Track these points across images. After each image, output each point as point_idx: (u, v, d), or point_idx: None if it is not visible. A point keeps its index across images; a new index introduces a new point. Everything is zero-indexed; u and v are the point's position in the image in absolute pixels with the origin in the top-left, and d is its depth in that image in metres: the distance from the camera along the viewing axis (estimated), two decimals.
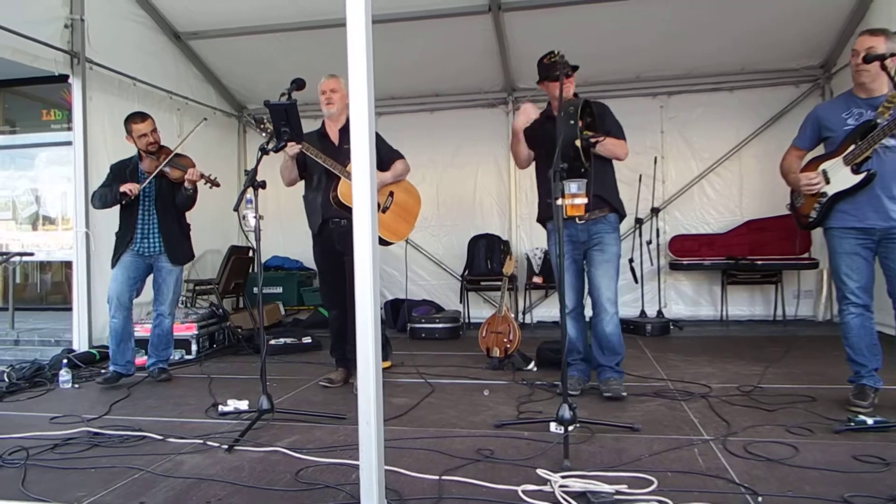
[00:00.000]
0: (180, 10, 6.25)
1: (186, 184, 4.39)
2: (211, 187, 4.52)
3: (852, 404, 3.24)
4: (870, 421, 2.92)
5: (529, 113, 3.74)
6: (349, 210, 4.12)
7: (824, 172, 3.34)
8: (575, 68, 3.73)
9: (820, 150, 3.50)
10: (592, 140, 3.46)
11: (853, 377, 3.37)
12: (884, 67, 3.03)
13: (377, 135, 4.45)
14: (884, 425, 2.90)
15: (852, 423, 2.94)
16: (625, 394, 3.71)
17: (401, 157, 4.47)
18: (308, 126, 3.97)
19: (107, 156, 5.32)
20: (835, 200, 3.31)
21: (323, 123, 4.28)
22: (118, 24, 5.82)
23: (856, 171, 3.20)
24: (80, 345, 5.23)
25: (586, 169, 3.49)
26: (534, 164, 3.98)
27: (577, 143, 3.32)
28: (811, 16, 5.87)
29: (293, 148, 3.99)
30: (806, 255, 6.47)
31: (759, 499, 2.17)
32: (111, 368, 4.38)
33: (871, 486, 2.27)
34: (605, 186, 3.79)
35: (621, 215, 3.90)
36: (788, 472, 2.45)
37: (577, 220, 3.63)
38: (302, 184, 4.41)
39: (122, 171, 4.44)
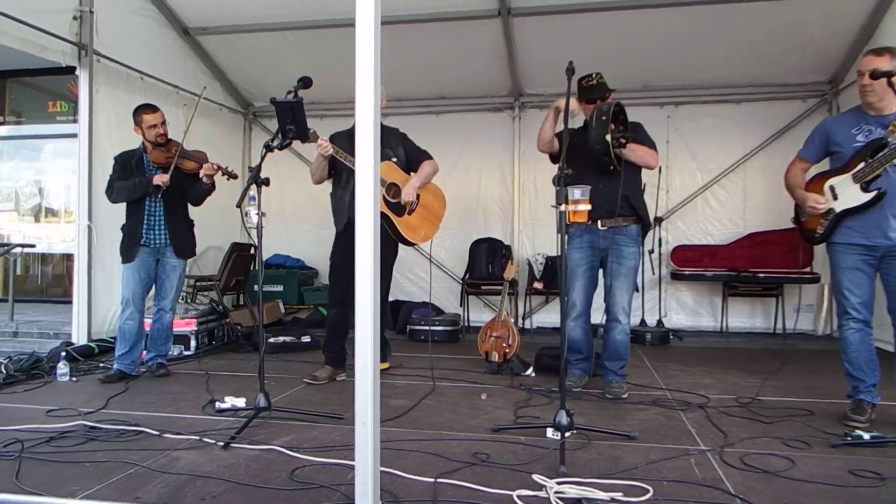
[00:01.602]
0: (189, 6, 6.27)
1: (205, 178, 4.39)
2: (228, 179, 4.53)
3: (849, 419, 3.24)
4: (866, 436, 2.92)
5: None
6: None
7: (832, 188, 3.34)
8: (609, 91, 3.86)
9: (825, 164, 3.50)
10: (622, 140, 3.52)
11: (851, 392, 3.37)
12: (890, 85, 3.02)
13: (405, 136, 4.52)
14: (880, 440, 2.90)
15: (849, 438, 2.94)
16: (625, 395, 3.83)
17: (429, 157, 4.52)
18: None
19: (111, 149, 5.30)
20: (842, 217, 3.30)
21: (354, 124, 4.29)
22: (127, 18, 5.83)
23: (865, 190, 3.20)
24: (79, 338, 5.23)
25: (615, 168, 3.54)
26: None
27: (608, 137, 3.38)
28: (820, 31, 5.87)
29: (326, 150, 4.04)
30: (808, 270, 6.47)
31: None
32: (116, 367, 4.35)
33: (866, 500, 2.27)
34: (634, 192, 3.85)
35: (646, 226, 3.96)
36: (784, 484, 2.44)
37: (599, 225, 3.67)
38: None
39: (128, 162, 4.44)
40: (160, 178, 4.28)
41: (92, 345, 5.10)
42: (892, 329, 3.25)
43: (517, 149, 7.21)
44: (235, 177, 4.53)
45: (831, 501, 2.25)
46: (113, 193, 4.40)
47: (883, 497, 2.30)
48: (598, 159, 3.59)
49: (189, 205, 4.61)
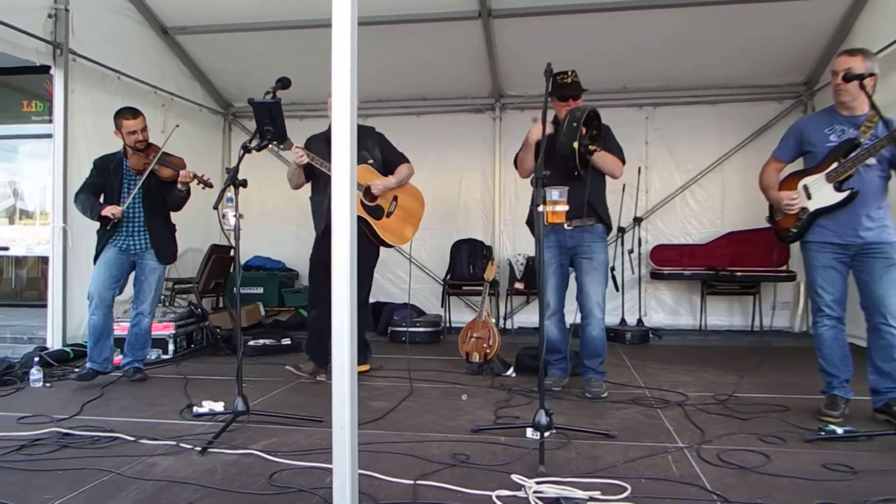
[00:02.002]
0: (168, 5, 6.19)
1: (180, 185, 4.36)
2: (204, 188, 4.48)
3: (823, 414, 3.29)
4: (840, 430, 2.97)
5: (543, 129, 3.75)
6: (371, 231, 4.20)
7: (805, 188, 3.39)
8: (583, 90, 3.94)
9: (798, 163, 3.55)
10: (590, 147, 3.56)
11: (825, 388, 3.42)
12: (862, 87, 3.07)
13: (383, 137, 4.52)
14: (853, 435, 2.95)
15: (823, 433, 2.99)
16: (605, 394, 3.87)
17: (406, 160, 4.53)
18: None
19: (87, 150, 5.25)
20: (815, 216, 3.35)
21: (330, 127, 4.29)
22: (104, 16, 5.74)
23: (838, 189, 3.25)
24: (53, 343, 5.14)
25: (580, 174, 3.59)
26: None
27: (575, 144, 3.42)
28: (795, 33, 5.96)
29: (301, 158, 4.04)
30: (784, 268, 6.56)
31: None
32: (88, 365, 4.30)
33: (839, 494, 2.30)
34: (597, 197, 3.93)
35: (608, 227, 4.03)
36: (759, 480, 2.47)
37: (565, 226, 3.72)
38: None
39: (107, 167, 4.39)
40: (110, 210, 4.23)
41: (67, 349, 5.02)
42: (866, 325, 3.30)
43: (498, 150, 7.22)
44: (211, 186, 4.49)
45: (804, 495, 2.28)
46: (77, 201, 4.38)
47: (855, 490, 2.33)
48: (562, 160, 3.62)
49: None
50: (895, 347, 3.13)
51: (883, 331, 3.18)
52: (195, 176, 4.38)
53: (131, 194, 4.31)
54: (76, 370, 4.39)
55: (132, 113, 4.37)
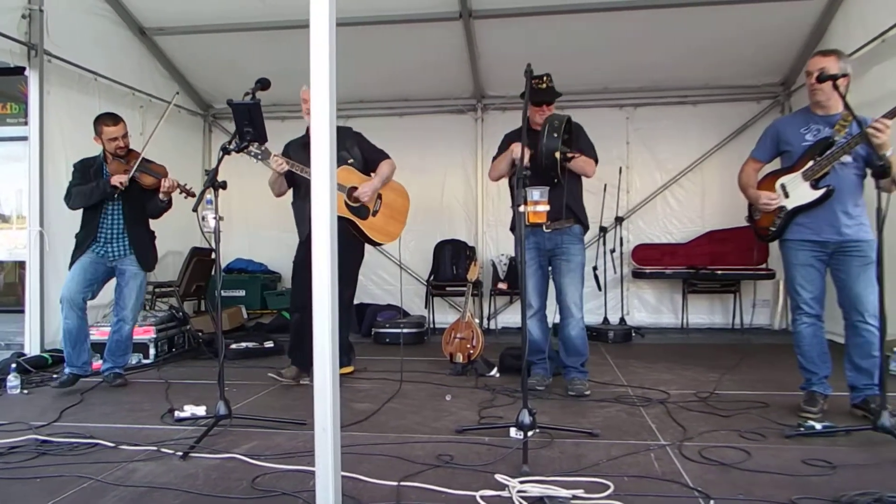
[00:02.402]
0: (146, 5, 6.13)
1: (162, 195, 4.31)
2: (186, 197, 4.42)
3: (803, 410, 3.34)
4: (818, 426, 3.01)
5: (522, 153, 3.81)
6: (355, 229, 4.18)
7: (783, 187, 3.44)
8: (559, 95, 3.98)
9: (776, 163, 3.59)
10: (569, 155, 3.62)
11: (804, 384, 3.47)
12: (836, 87, 3.12)
13: (361, 135, 4.51)
14: (831, 430, 2.99)
15: (802, 429, 3.02)
16: (588, 392, 3.90)
17: (386, 156, 4.52)
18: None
19: (64, 152, 5.19)
20: (793, 214, 3.40)
21: (307, 130, 4.28)
22: (79, 17, 5.66)
23: (815, 187, 3.30)
24: (31, 348, 5.06)
25: (559, 180, 3.65)
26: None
27: (557, 154, 3.48)
28: (772, 34, 6.03)
29: (281, 166, 4.02)
30: (763, 266, 6.64)
31: (712, 502, 2.22)
32: (67, 371, 4.23)
33: (818, 489, 2.33)
34: (574, 199, 3.99)
35: (585, 227, 4.09)
36: (740, 476, 2.50)
37: (543, 227, 3.77)
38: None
39: (87, 171, 4.33)
40: (118, 178, 4.18)
41: (45, 355, 4.94)
42: (843, 322, 3.35)
43: (480, 150, 7.23)
44: (193, 195, 4.42)
45: (784, 491, 2.31)
46: (71, 199, 4.29)
47: (833, 485, 2.36)
48: (545, 171, 3.64)
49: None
50: (872, 344, 3.18)
51: (860, 328, 3.23)
52: (178, 185, 4.33)
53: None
54: (55, 376, 4.33)
55: (113, 119, 4.30)
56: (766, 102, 6.93)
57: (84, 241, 4.29)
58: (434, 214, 7.35)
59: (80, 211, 4.33)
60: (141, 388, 4.35)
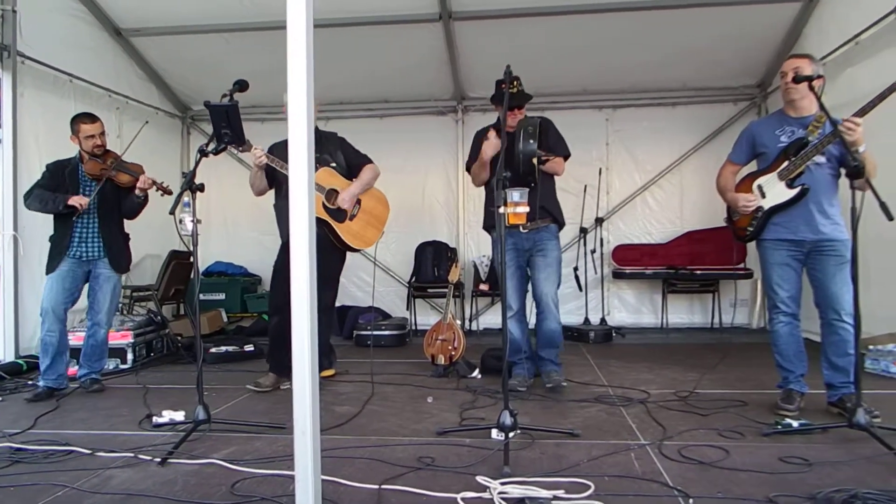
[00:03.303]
0: (121, 6, 6.05)
1: (138, 191, 4.26)
2: (163, 195, 4.38)
3: (780, 408, 3.38)
4: (795, 424, 3.05)
5: (496, 144, 3.86)
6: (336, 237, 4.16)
7: (760, 188, 3.48)
8: (530, 98, 4.04)
9: (753, 165, 3.64)
10: (544, 158, 3.67)
11: (781, 382, 3.52)
12: (811, 88, 3.17)
13: (344, 141, 4.49)
14: (808, 427, 3.03)
15: (779, 426, 3.06)
16: (565, 384, 4.00)
17: (369, 161, 4.50)
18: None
19: (38, 155, 5.10)
20: (770, 214, 3.44)
21: None
22: (54, 18, 5.58)
23: (790, 186, 3.35)
24: (5, 354, 4.96)
25: (536, 183, 3.68)
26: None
27: (534, 160, 3.52)
28: (749, 37, 6.12)
29: (260, 159, 3.99)
30: (742, 266, 6.72)
31: (691, 501, 2.24)
32: (41, 384, 4.14)
33: (794, 486, 2.36)
34: (549, 199, 4.06)
35: (561, 224, 4.17)
36: (719, 474, 2.52)
37: (521, 228, 3.80)
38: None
39: (60, 171, 4.25)
40: (77, 200, 4.11)
41: (20, 361, 4.86)
42: (819, 321, 3.39)
43: (461, 152, 7.23)
44: (170, 192, 4.39)
45: (762, 488, 2.33)
46: (30, 199, 4.21)
47: (809, 482, 2.40)
48: (523, 176, 3.66)
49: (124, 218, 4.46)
50: (848, 343, 3.22)
51: (836, 326, 3.28)
52: (154, 182, 4.28)
53: (90, 195, 4.19)
54: (29, 383, 4.25)
55: (90, 118, 4.26)
56: (742, 104, 7.02)
57: (59, 242, 4.22)
58: (415, 216, 7.35)
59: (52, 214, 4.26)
60: (118, 394, 4.28)
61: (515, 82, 3.95)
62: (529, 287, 4.20)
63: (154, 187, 4.30)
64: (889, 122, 4.29)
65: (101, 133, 4.25)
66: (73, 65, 5.75)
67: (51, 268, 4.21)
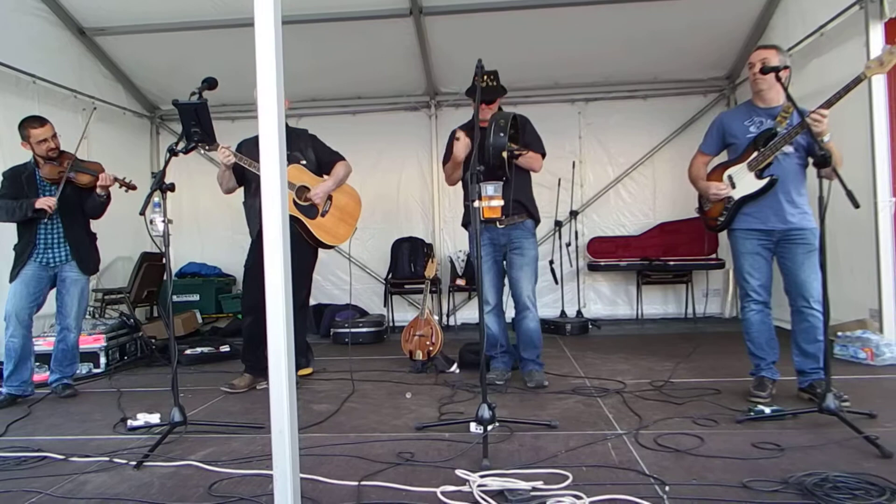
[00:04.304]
0: (84, 5, 5.92)
1: (99, 189, 4.16)
2: (127, 191, 4.31)
3: (752, 395, 3.43)
4: (767, 410, 3.10)
5: (467, 144, 3.88)
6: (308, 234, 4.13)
7: (730, 178, 3.53)
8: (504, 92, 4.02)
9: (723, 156, 3.69)
10: (517, 152, 3.66)
11: (754, 370, 3.58)
12: (778, 79, 3.22)
13: (315, 138, 4.45)
14: (780, 414, 3.08)
15: (752, 413, 3.11)
16: (546, 383, 3.96)
17: (341, 158, 4.48)
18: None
19: (2, 159, 4.97)
20: (740, 204, 3.49)
21: None
22: (14, 17, 5.44)
23: (759, 177, 3.40)
24: None
25: (507, 178, 3.68)
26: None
27: (504, 154, 3.51)
28: (716, 29, 6.20)
29: (228, 157, 3.94)
30: (714, 256, 6.82)
31: (667, 488, 2.26)
32: (4, 391, 4.06)
33: (767, 471, 2.41)
34: (524, 194, 4.05)
35: (537, 221, 4.16)
36: (694, 461, 2.56)
37: (497, 224, 3.81)
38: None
39: (18, 178, 4.14)
40: (45, 202, 4.02)
41: None
42: (790, 309, 3.45)
43: (435, 147, 7.23)
44: (134, 188, 4.31)
45: (736, 474, 2.37)
46: None
47: (782, 466, 2.45)
48: (493, 169, 3.67)
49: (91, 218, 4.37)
50: (818, 329, 3.28)
51: (806, 314, 3.34)
52: (116, 179, 4.20)
53: (55, 195, 4.09)
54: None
55: (39, 121, 4.14)
56: (712, 96, 7.11)
57: (23, 252, 4.13)
58: (391, 212, 7.35)
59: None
60: (92, 399, 4.22)
61: (490, 76, 3.92)
62: (506, 281, 4.20)
63: (116, 184, 4.21)
64: (852, 114, 4.43)
65: (52, 136, 4.14)
66: (36, 65, 5.62)
67: (14, 275, 4.11)
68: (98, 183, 4.15)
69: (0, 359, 4.80)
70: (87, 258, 4.31)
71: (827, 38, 5.10)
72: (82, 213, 4.29)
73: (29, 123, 4.12)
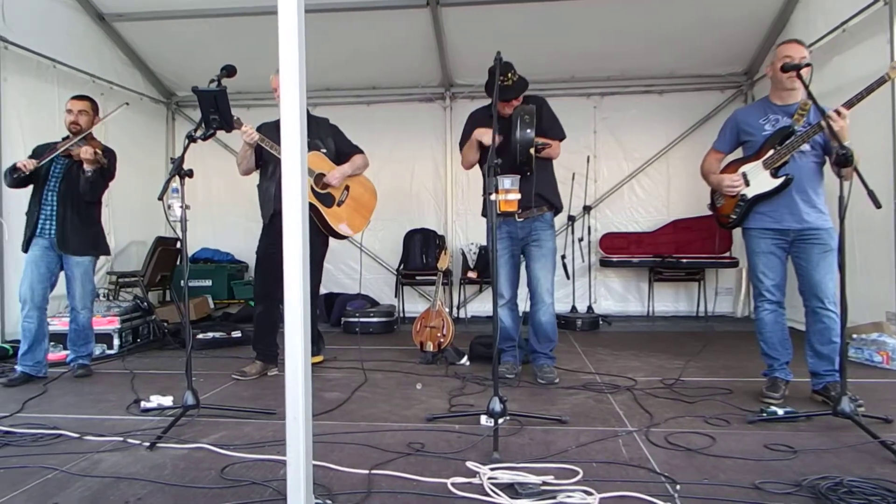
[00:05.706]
0: None
1: (86, 165, 4.12)
2: (99, 168, 4.22)
3: (765, 396, 3.42)
4: (780, 412, 3.08)
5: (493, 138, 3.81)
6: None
7: (744, 175, 3.49)
8: (526, 86, 3.92)
9: (738, 153, 3.66)
10: (541, 146, 3.62)
11: (766, 370, 3.56)
12: (799, 76, 3.18)
13: (336, 128, 4.46)
14: (793, 415, 3.07)
15: (764, 414, 3.09)
16: (557, 380, 3.94)
17: (360, 151, 4.50)
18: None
19: (23, 140, 5.03)
20: (754, 202, 3.46)
21: None
22: (36, 3, 5.47)
23: (774, 175, 3.36)
24: None
25: (532, 172, 3.65)
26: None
27: (532, 150, 3.49)
28: (735, 25, 6.13)
29: (252, 136, 3.95)
30: (727, 255, 6.77)
31: (677, 487, 2.26)
32: (18, 369, 4.12)
33: (779, 472, 2.40)
34: (547, 186, 4.00)
35: (558, 211, 4.11)
36: (705, 461, 2.55)
37: (516, 216, 3.77)
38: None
39: (38, 150, 4.24)
40: (22, 162, 4.06)
41: (6, 346, 4.84)
42: (804, 309, 3.43)
43: (449, 139, 7.21)
44: (103, 164, 4.21)
45: (748, 475, 2.37)
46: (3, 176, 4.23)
47: (794, 469, 2.43)
48: (520, 166, 3.64)
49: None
50: (832, 330, 3.26)
51: (820, 314, 3.31)
52: (95, 152, 4.12)
53: (52, 155, 4.13)
54: (2, 373, 4.22)
55: (78, 97, 4.32)
56: (729, 92, 7.04)
57: (29, 218, 4.21)
58: (403, 203, 7.34)
59: (31, 190, 4.23)
60: (105, 379, 4.26)
61: (510, 74, 3.80)
62: (522, 275, 4.18)
63: (95, 159, 4.13)
64: (872, 114, 4.37)
65: (79, 111, 4.22)
66: (57, 50, 5.67)
67: (25, 247, 4.20)
68: (80, 156, 4.09)
69: (16, 337, 4.89)
70: (71, 236, 4.22)
71: (849, 34, 5.02)
72: (80, 193, 4.27)
73: (72, 97, 4.30)
